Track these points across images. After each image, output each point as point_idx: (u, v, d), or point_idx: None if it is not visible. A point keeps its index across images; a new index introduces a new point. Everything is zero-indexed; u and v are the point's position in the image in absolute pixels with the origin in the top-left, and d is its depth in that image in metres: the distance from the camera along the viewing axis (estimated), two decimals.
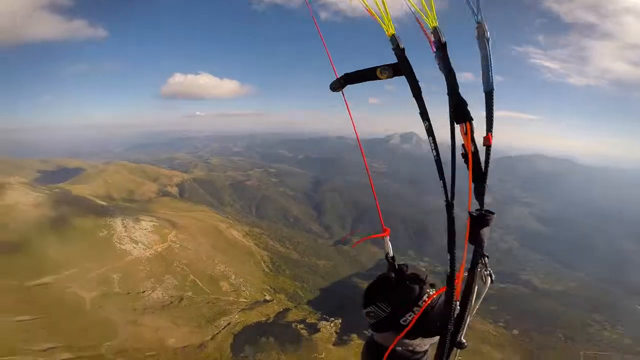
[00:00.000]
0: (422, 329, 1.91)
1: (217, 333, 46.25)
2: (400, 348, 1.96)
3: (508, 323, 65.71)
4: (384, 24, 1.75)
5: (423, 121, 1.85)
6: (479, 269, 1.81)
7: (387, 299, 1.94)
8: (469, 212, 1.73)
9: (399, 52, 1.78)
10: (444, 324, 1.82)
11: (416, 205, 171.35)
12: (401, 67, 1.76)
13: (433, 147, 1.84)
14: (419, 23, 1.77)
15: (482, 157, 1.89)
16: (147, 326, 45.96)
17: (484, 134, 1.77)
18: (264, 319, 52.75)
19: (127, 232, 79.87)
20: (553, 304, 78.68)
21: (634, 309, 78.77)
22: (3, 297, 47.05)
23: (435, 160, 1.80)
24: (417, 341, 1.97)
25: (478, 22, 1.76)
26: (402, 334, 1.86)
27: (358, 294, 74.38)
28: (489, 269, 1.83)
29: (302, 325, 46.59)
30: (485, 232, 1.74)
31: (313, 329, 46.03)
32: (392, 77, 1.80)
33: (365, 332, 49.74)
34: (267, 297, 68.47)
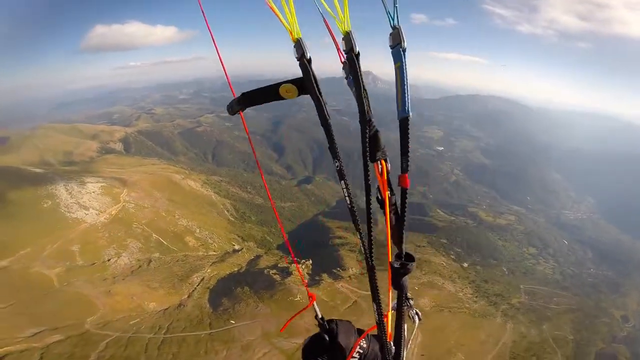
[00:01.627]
0: None
1: (193, 290, 46.76)
2: None
3: (458, 256, 72.49)
4: (288, 25, 1.44)
5: (333, 160, 1.66)
6: (405, 311, 1.91)
7: (324, 352, 1.96)
8: (390, 263, 1.79)
9: (304, 63, 1.50)
10: None
11: None
12: (306, 84, 1.51)
13: (346, 194, 1.71)
14: (327, 26, 1.56)
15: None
16: (122, 294, 45.04)
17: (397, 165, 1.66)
18: (236, 269, 53.89)
19: (74, 198, 73.25)
20: (496, 238, 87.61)
21: (561, 243, 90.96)
22: None
23: (350, 209, 1.67)
24: None
25: (394, 27, 1.57)
26: None
27: (325, 233, 78.09)
28: (414, 308, 1.95)
29: (274, 271, 48.45)
30: (407, 277, 1.80)
31: (285, 272, 48.20)
32: (299, 95, 1.57)
33: (334, 270, 53.35)
34: (236, 247, 69.23)
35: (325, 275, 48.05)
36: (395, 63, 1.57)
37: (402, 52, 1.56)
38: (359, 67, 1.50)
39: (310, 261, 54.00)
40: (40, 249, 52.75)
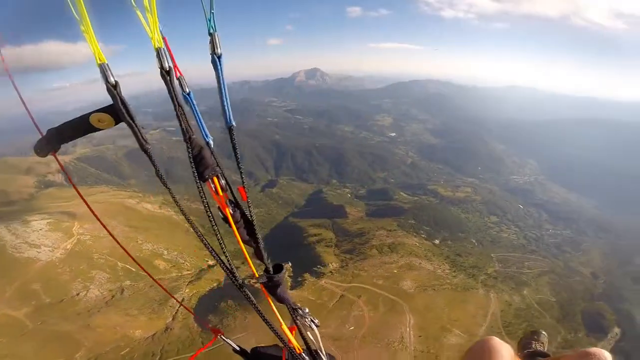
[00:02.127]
0: None
1: (176, 312, 45.22)
2: None
3: (428, 234, 75.43)
4: (94, 49, 1.29)
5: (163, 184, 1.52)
6: (300, 322, 1.95)
7: None
8: (259, 281, 1.71)
9: (109, 88, 1.33)
10: None
11: (329, 135, 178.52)
12: (118, 111, 1.33)
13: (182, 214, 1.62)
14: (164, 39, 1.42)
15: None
16: (103, 326, 42.60)
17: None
18: (215, 284, 52.79)
19: (20, 238, 67.25)
20: (458, 211, 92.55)
21: (517, 208, 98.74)
22: None
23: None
24: None
25: (209, 33, 1.51)
26: None
27: (298, 233, 78.40)
28: (307, 316, 1.98)
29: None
30: (284, 288, 1.71)
31: None
32: (116, 124, 1.42)
33: (315, 269, 54.41)
34: (210, 262, 67.41)
35: (307, 275, 48.93)
36: (215, 71, 1.55)
37: (217, 60, 1.55)
38: (170, 83, 1.46)
39: (290, 263, 54.49)
40: None
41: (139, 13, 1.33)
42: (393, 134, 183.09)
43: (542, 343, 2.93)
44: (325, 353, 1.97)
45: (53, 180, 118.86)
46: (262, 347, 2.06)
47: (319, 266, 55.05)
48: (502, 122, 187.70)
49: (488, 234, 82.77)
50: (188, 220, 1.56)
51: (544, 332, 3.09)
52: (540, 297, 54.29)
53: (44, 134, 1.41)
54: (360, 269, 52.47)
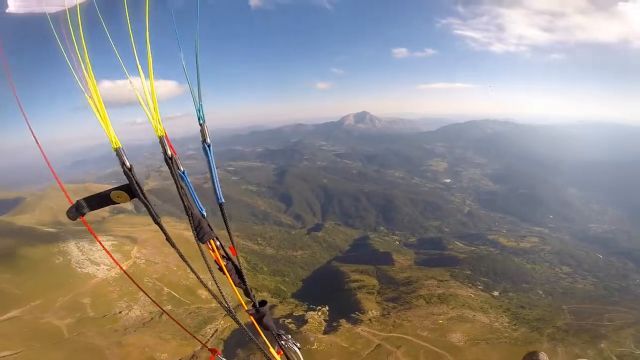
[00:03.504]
0: None
1: (206, 341, 44.56)
2: None
3: (486, 285, 68.75)
4: (111, 135, 1.55)
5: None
6: (285, 345, 2.12)
7: None
8: (248, 313, 2.00)
9: (125, 171, 1.60)
10: None
11: (378, 181, 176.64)
12: (133, 190, 1.60)
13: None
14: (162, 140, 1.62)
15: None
16: (133, 346, 43.37)
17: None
18: (250, 320, 51.54)
19: (85, 255, 73.45)
20: (523, 262, 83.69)
21: (596, 258, 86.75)
22: None
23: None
24: None
25: (200, 124, 1.73)
26: None
27: (340, 278, 75.58)
28: (289, 340, 2.11)
29: (289, 320, 46.13)
30: (269, 318, 1.96)
31: (301, 321, 45.80)
32: (130, 200, 1.65)
33: (352, 315, 50.73)
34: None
35: (343, 321, 45.46)
36: (206, 157, 1.69)
37: (207, 148, 1.70)
38: (174, 167, 1.58)
39: (327, 307, 51.50)
40: (51, 301, 52.56)
41: (143, 105, 1.58)
42: (448, 180, 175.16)
43: None
44: None
45: (125, 207, 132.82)
46: None
47: (357, 313, 51.11)
48: (575, 163, 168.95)
49: (559, 285, 73.85)
50: (185, 260, 2.01)
51: (542, 353, 3.02)
52: (622, 350, 44.17)
53: (74, 203, 1.69)
54: (403, 319, 47.44)
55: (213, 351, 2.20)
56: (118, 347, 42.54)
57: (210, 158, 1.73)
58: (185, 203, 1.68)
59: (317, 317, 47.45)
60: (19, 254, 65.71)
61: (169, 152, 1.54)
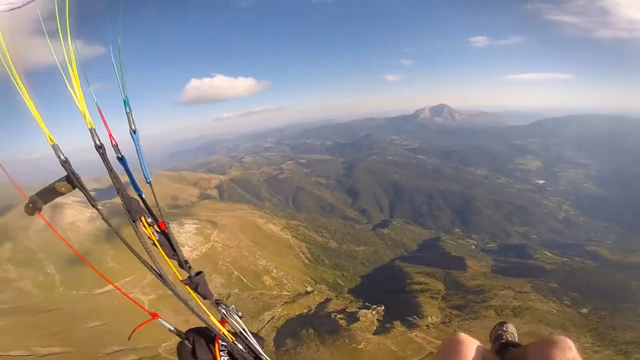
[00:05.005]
0: None
1: (262, 328, 47.51)
2: None
3: (575, 301, 59.11)
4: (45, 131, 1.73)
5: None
6: (226, 314, 2.27)
7: (196, 356, 2.19)
8: (183, 282, 2.17)
9: (62, 165, 1.79)
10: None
11: (457, 179, 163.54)
12: (72, 180, 1.85)
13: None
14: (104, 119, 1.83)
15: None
16: (195, 324, 48.58)
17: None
18: (305, 310, 53.19)
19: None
20: (627, 278, 69.49)
21: None
22: (78, 306, 52.34)
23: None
24: None
25: (126, 112, 1.92)
26: None
27: (402, 278, 72.68)
28: (230, 308, 2.28)
29: (341, 315, 46.12)
30: (205, 286, 2.20)
31: (352, 318, 45.36)
32: (72, 190, 1.88)
33: (409, 318, 48.30)
34: (309, 289, 69.15)
35: (397, 323, 43.47)
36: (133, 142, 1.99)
37: (132, 134, 1.94)
38: (103, 156, 1.81)
39: (383, 307, 49.93)
40: (141, 277, 60.36)
41: (74, 97, 1.75)
42: (541, 181, 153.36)
43: (512, 333, 3.01)
44: (253, 335, 2.29)
45: (210, 194, 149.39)
46: (195, 328, 2.28)
47: (415, 317, 48.27)
48: None
49: None
50: (121, 238, 2.06)
51: (510, 323, 3.11)
52: None
53: (29, 198, 1.86)
54: (465, 329, 43.18)
55: (153, 315, 2.19)
56: (184, 325, 47.58)
57: (136, 143, 1.94)
58: (116, 186, 1.88)
59: (370, 315, 46.44)
60: (122, 231, 79.44)
61: (98, 142, 1.77)
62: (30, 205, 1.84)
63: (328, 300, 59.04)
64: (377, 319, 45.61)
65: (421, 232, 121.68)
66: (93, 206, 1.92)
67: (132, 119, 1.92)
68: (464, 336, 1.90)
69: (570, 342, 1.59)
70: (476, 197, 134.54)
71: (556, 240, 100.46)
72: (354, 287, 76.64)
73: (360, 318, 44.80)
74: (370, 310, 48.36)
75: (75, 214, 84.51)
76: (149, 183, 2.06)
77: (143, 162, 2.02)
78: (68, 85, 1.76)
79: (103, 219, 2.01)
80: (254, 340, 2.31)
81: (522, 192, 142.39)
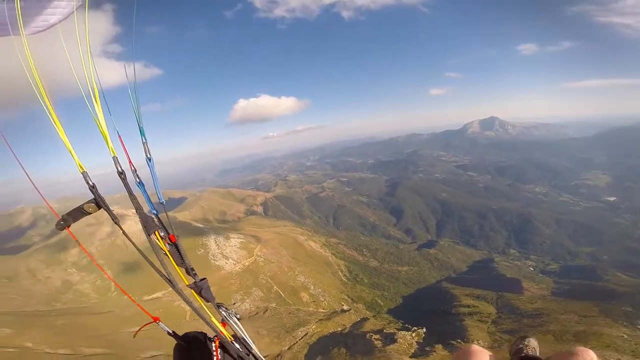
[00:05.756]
0: None
1: (294, 343, 46.65)
2: None
3: None
4: (76, 160, 1.97)
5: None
6: (226, 316, 2.50)
7: (193, 358, 2.39)
8: (189, 287, 2.45)
9: (91, 190, 2.05)
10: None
11: (512, 197, 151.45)
12: (97, 202, 2.09)
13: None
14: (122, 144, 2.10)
15: None
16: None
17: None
18: (339, 329, 51.41)
19: (220, 249, 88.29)
20: None
21: None
22: (126, 311, 56.40)
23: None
24: None
25: (143, 142, 2.17)
26: None
27: (448, 300, 68.01)
28: (230, 310, 2.52)
29: (377, 336, 43.63)
30: (208, 291, 2.48)
31: (389, 339, 42.67)
32: (98, 210, 2.12)
33: (452, 342, 44.36)
34: (345, 307, 67.37)
35: (439, 347, 39.88)
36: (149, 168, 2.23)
37: (148, 161, 2.17)
38: (124, 181, 2.05)
39: (424, 329, 46.44)
40: (185, 287, 64.90)
41: (101, 130, 1.93)
42: (612, 198, 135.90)
43: (533, 348, 2.89)
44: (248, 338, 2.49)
45: (256, 210, 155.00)
46: (192, 332, 2.46)
47: (460, 340, 43.99)
48: None
49: None
50: (141, 252, 2.46)
51: (532, 338, 2.98)
52: None
53: (60, 217, 2.09)
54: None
55: (154, 319, 2.52)
56: None
57: (152, 169, 2.25)
58: (135, 205, 2.18)
59: (409, 337, 43.32)
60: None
61: (120, 169, 2.02)
62: (62, 222, 2.11)
63: (364, 319, 56.69)
64: (416, 342, 42.44)
65: (472, 253, 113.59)
66: (116, 224, 2.15)
67: (148, 148, 2.16)
68: (476, 347, 1.95)
69: (592, 353, 1.54)
70: (535, 216, 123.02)
71: (632, 261, 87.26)
72: (394, 308, 73.29)
73: (398, 339, 42.01)
74: (410, 332, 45.23)
75: (132, 225, 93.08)
76: (162, 203, 2.33)
77: (157, 186, 2.30)
78: (93, 116, 1.99)
79: (124, 233, 2.28)
80: (250, 341, 2.52)
81: (590, 210, 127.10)
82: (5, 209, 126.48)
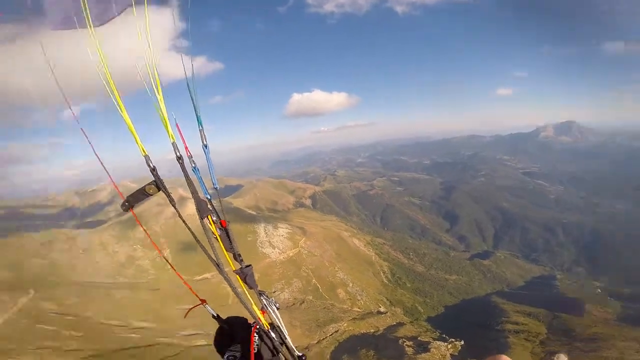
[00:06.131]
0: (267, 352, 2.50)
1: (323, 338, 47.21)
2: None
3: None
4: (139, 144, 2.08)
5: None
6: (266, 305, 2.58)
7: (234, 341, 2.48)
8: (235, 272, 2.49)
9: (151, 171, 2.15)
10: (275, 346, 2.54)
11: (586, 211, 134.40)
12: (157, 184, 2.22)
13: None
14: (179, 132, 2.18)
15: None
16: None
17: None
18: (372, 330, 51.05)
19: (268, 237, 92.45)
20: None
21: None
22: (177, 289, 62.03)
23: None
24: None
25: (199, 129, 2.28)
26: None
27: (496, 314, 63.71)
28: (270, 299, 2.62)
29: (410, 343, 42.45)
30: (252, 278, 2.52)
31: (422, 348, 41.28)
32: (157, 192, 2.24)
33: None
34: (381, 309, 66.43)
35: None
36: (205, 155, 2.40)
37: (204, 148, 2.34)
38: (182, 166, 2.22)
39: (462, 342, 44.09)
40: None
41: (161, 117, 2.15)
42: None
43: None
44: (284, 328, 2.66)
45: (305, 203, 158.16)
46: (234, 317, 2.68)
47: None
48: None
49: None
50: (194, 237, 2.49)
51: (563, 354, 3.07)
52: None
53: (125, 198, 2.34)
54: None
55: (202, 301, 2.75)
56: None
57: (207, 156, 2.45)
58: (191, 189, 2.35)
59: (443, 349, 41.50)
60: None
61: (178, 154, 2.23)
62: (126, 203, 2.29)
63: (400, 324, 55.46)
64: (450, 354, 40.55)
65: (531, 268, 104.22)
66: (173, 206, 2.26)
67: (204, 135, 2.29)
68: (506, 358, 1.97)
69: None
70: (613, 234, 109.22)
71: None
72: (434, 316, 70.71)
73: (431, 349, 40.54)
74: (446, 343, 43.32)
75: (192, 207, 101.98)
76: (216, 189, 2.43)
77: (212, 172, 2.42)
78: (156, 106, 2.16)
79: (179, 216, 2.37)
80: (285, 331, 2.61)
81: None
82: (91, 186, 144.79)
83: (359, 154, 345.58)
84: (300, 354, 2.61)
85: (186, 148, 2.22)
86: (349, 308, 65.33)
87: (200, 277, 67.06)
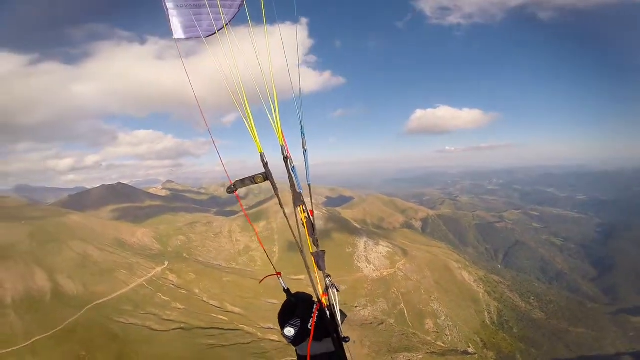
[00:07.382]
0: (321, 330, 2.83)
1: None
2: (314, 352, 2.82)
3: None
4: (257, 142, 2.70)
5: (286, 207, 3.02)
6: (330, 284, 2.99)
7: (295, 315, 2.83)
8: (311, 253, 3.01)
9: (264, 164, 2.77)
10: (332, 325, 2.88)
11: None
12: (267, 175, 2.81)
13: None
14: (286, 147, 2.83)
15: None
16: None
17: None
18: None
19: (366, 252, 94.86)
20: None
21: None
22: (273, 284, 71.61)
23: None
24: (323, 344, 2.85)
25: (302, 137, 2.91)
26: (312, 335, 2.74)
27: None
28: (333, 282, 3.01)
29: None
30: (323, 261, 3.05)
31: None
32: (264, 181, 2.83)
33: None
34: (470, 349, 59.39)
35: None
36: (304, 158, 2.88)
37: (304, 152, 2.85)
38: (289, 166, 2.77)
39: None
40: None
41: (274, 127, 2.65)
42: None
43: None
44: (339, 310, 2.93)
45: (414, 225, 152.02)
46: (301, 293, 3.04)
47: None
48: None
49: None
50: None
51: None
52: None
53: (232, 182, 2.83)
54: None
55: (277, 273, 3.05)
56: None
57: (306, 158, 2.78)
58: (291, 182, 2.68)
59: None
60: (331, 235, 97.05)
61: (285, 155, 2.60)
62: (233, 186, 2.74)
63: None
64: None
65: None
66: (276, 196, 2.68)
67: (305, 141, 2.79)
68: None
69: None
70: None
71: None
72: None
73: None
74: None
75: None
76: (309, 185, 2.91)
77: (308, 171, 2.92)
78: (270, 119, 2.67)
79: (280, 204, 2.84)
80: (340, 315, 2.89)
81: None
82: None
83: (490, 179, 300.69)
84: (345, 337, 2.87)
85: (287, 150, 2.74)
86: (432, 341, 61.86)
87: (296, 277, 75.39)
